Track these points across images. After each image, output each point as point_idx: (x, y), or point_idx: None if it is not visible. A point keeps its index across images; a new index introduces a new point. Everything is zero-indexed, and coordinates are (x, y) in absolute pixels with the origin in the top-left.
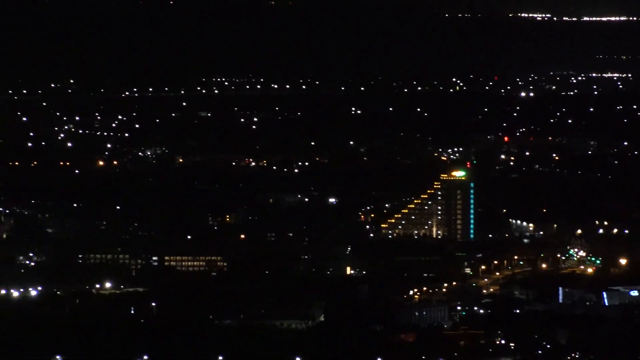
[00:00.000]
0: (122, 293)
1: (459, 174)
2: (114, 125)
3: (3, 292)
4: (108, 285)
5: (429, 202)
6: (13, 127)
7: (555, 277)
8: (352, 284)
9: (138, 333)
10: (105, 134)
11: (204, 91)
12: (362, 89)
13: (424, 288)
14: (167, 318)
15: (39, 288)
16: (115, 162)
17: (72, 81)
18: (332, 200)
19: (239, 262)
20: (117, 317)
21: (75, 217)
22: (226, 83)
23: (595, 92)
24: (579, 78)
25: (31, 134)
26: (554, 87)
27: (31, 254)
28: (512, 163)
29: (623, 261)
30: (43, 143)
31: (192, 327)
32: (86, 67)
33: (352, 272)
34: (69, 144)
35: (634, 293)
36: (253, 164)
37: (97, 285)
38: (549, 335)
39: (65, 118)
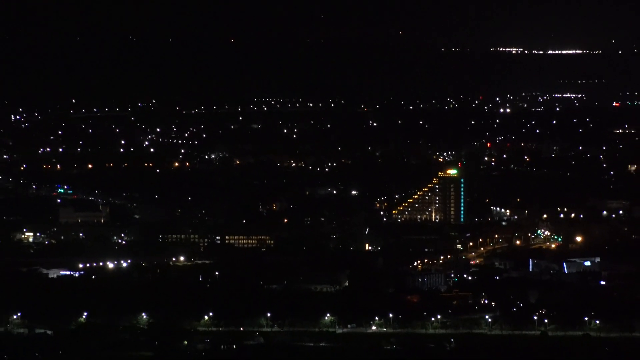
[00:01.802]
0: (192, 264)
1: (452, 172)
2: (186, 135)
3: (102, 263)
4: (182, 258)
5: (429, 194)
6: (109, 136)
7: (527, 251)
8: (369, 257)
9: (205, 295)
10: (179, 141)
11: (255, 108)
12: (378, 106)
13: (425, 260)
14: (228, 284)
15: (129, 260)
16: (187, 164)
17: (154, 101)
18: (354, 192)
19: (283, 240)
20: (189, 283)
21: (156, 206)
22: (273, 102)
23: (557, 109)
24: (545, 97)
25: (122, 141)
26: (525, 105)
27: (123, 234)
28: (493, 163)
29: (579, 239)
30: (132, 149)
31: (247, 291)
32: (165, 89)
33: (370, 247)
34: (152, 150)
35: (587, 263)
36: (294, 164)
37: (174, 258)
38: (522, 296)
39: (148, 129)
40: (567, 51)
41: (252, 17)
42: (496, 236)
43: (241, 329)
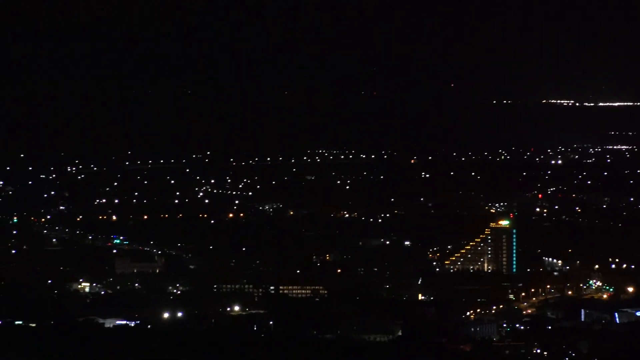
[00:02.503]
0: (247, 314)
1: (504, 222)
2: (240, 186)
3: (157, 313)
4: (236, 308)
5: (481, 244)
6: (164, 187)
7: (578, 301)
8: (422, 307)
9: (259, 344)
10: (233, 192)
11: (309, 160)
12: (430, 158)
13: (478, 309)
14: (282, 333)
15: (184, 310)
16: (241, 214)
17: (208, 153)
18: (407, 243)
19: (336, 290)
20: (243, 332)
21: (211, 256)
22: (326, 154)
23: (608, 160)
24: (596, 149)
25: (177, 193)
26: (576, 156)
27: (177, 284)
28: (544, 214)
29: (630, 289)
30: (186, 200)
31: (300, 340)
32: (219, 143)
33: (423, 297)
34: (206, 201)
35: (639, 314)
36: (347, 215)
37: (228, 308)
38: (573, 345)
39: (203, 181)
40: (618, 103)
41: (305, 72)
42: (548, 286)
43: None
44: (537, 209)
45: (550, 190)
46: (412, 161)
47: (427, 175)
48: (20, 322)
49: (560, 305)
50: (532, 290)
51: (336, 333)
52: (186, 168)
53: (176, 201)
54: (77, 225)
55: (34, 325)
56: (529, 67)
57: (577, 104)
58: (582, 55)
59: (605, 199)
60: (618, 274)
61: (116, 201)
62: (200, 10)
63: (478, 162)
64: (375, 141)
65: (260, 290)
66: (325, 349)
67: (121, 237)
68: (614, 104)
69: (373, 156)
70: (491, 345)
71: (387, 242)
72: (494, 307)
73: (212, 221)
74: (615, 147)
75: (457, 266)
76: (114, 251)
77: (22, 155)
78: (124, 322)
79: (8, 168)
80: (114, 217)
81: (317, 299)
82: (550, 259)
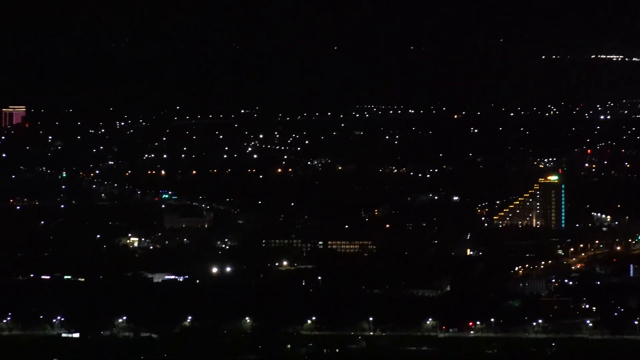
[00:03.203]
0: (295, 269)
1: (553, 178)
2: (289, 141)
3: (205, 268)
4: (285, 263)
5: (530, 200)
6: (213, 143)
7: (627, 257)
8: (471, 262)
9: (308, 300)
10: (282, 148)
11: (357, 115)
12: (479, 113)
13: (526, 265)
14: (330, 288)
15: (232, 265)
16: (290, 170)
17: (257, 107)
18: (455, 198)
19: (385, 246)
20: (292, 287)
21: (259, 212)
22: (374, 109)
23: None
24: None
25: (226, 148)
26: (625, 112)
27: (226, 240)
28: (593, 170)
29: None
30: (235, 155)
31: (349, 295)
32: (268, 97)
33: (471, 252)
34: (255, 156)
35: None
36: (395, 171)
37: (276, 263)
38: (622, 301)
39: (252, 136)
40: None
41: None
42: (597, 242)
43: (344, 333)
44: (586, 165)
45: (599, 146)
46: (461, 116)
47: (476, 131)
48: (69, 277)
49: (609, 260)
50: (581, 245)
51: (384, 288)
52: (235, 123)
53: (225, 156)
54: (125, 181)
55: (82, 280)
56: (578, 22)
57: (627, 59)
58: (632, 9)
59: None
60: None
61: (165, 156)
62: None
63: (527, 118)
64: (424, 96)
65: (309, 245)
66: (374, 303)
67: (170, 193)
68: None
69: (422, 111)
70: (539, 301)
71: (436, 198)
72: (543, 263)
73: (261, 176)
74: None
75: (505, 222)
76: (163, 206)
77: (70, 111)
78: (173, 277)
79: (57, 123)
80: (163, 173)
81: (366, 254)
82: (599, 215)
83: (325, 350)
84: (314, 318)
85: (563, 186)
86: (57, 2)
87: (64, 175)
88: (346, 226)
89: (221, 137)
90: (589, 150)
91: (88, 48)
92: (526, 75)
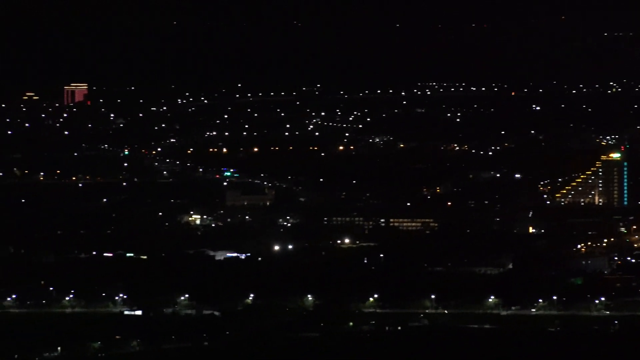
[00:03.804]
0: (357, 247)
1: (615, 155)
2: (350, 119)
3: (267, 245)
4: (347, 240)
5: (592, 177)
6: (274, 120)
7: None
8: (533, 240)
9: (370, 277)
10: (344, 125)
11: (419, 92)
12: (541, 90)
13: (589, 242)
14: (392, 266)
15: (294, 243)
16: (351, 147)
17: (318, 85)
18: (517, 176)
19: (447, 223)
20: (353, 265)
21: (321, 189)
22: (436, 86)
23: None
24: None
25: (287, 125)
26: None
27: (288, 217)
28: None
29: None
30: (297, 132)
31: (411, 273)
32: (330, 73)
33: (534, 230)
34: (317, 133)
35: None
36: (457, 148)
37: (338, 241)
38: None
39: (313, 113)
40: None
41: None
42: None
43: (406, 310)
44: None
45: None
46: (523, 94)
47: (538, 108)
48: (132, 255)
49: None
50: None
51: (446, 266)
52: (296, 100)
53: (286, 133)
54: (187, 158)
55: (145, 257)
56: None
57: None
58: None
59: None
60: None
61: (226, 134)
62: None
63: (589, 95)
64: (486, 74)
65: (371, 223)
66: (435, 280)
67: (231, 170)
68: None
69: (484, 89)
70: (602, 278)
71: (498, 175)
72: (605, 240)
73: (322, 154)
74: None
75: (567, 199)
76: (225, 184)
77: (132, 88)
78: (235, 254)
79: (119, 101)
80: (225, 150)
81: (428, 232)
82: None
83: (387, 328)
84: (376, 295)
85: (625, 164)
86: None
87: (126, 152)
88: (408, 204)
89: (283, 114)
90: None
91: (148, 25)
92: (588, 52)
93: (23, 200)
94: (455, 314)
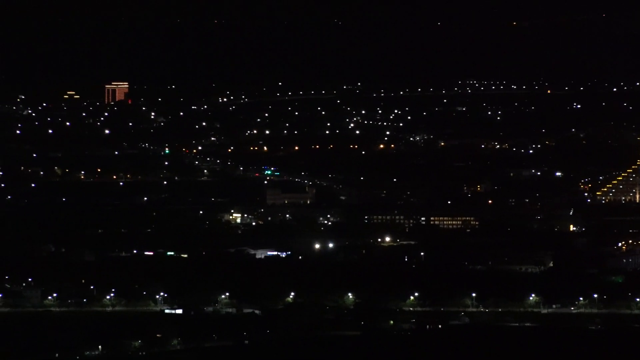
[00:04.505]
0: (397, 245)
1: None
2: (391, 117)
3: (308, 244)
4: (387, 239)
5: (633, 175)
6: (315, 119)
7: None
8: (573, 238)
9: (410, 275)
10: (384, 124)
11: (459, 91)
12: (582, 88)
13: (629, 240)
14: (433, 264)
15: (335, 241)
16: (392, 146)
17: (359, 83)
18: (558, 173)
19: (487, 222)
20: (394, 263)
21: (362, 187)
22: (476, 85)
23: None
24: None
25: (328, 124)
26: None
27: (328, 215)
28: None
29: None
30: (337, 131)
31: (452, 271)
32: (369, 73)
33: (574, 228)
34: (357, 132)
35: None
36: (497, 146)
37: (379, 239)
38: None
39: (354, 112)
40: None
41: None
42: None
43: (446, 309)
44: None
45: None
46: (564, 92)
47: (579, 106)
48: (172, 253)
49: None
50: None
51: (487, 264)
52: (337, 99)
53: (327, 132)
54: (228, 156)
55: (185, 256)
56: None
57: None
58: None
59: None
60: None
61: (267, 132)
62: None
63: (630, 92)
64: (527, 72)
65: (411, 221)
66: (476, 279)
67: (272, 168)
68: None
69: (524, 87)
70: None
71: (538, 173)
72: None
73: (363, 152)
74: None
75: (608, 197)
76: (265, 182)
77: (173, 86)
78: (275, 253)
79: (159, 99)
80: (265, 148)
81: (468, 230)
82: None
83: (427, 326)
84: (416, 294)
85: None
86: None
87: (167, 151)
88: (448, 202)
89: (323, 112)
90: None
91: (190, 24)
92: (629, 50)
93: (64, 199)
94: (496, 312)
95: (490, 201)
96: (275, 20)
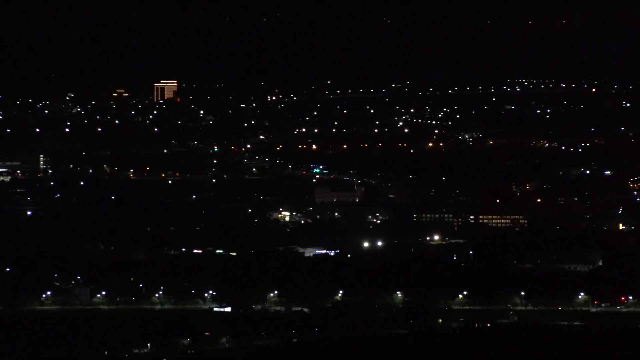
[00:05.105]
0: (446, 244)
1: None
2: (440, 115)
3: (357, 242)
4: (436, 237)
5: None
6: (364, 117)
7: None
8: (623, 236)
9: (459, 274)
10: (433, 122)
11: (508, 89)
12: (631, 87)
13: None
14: (482, 263)
15: (383, 239)
16: (440, 144)
17: (407, 82)
18: (607, 172)
19: (536, 220)
20: (443, 261)
21: (410, 186)
22: (526, 83)
23: None
24: None
25: (377, 122)
26: None
27: (377, 214)
28: None
29: None
30: (386, 129)
31: (501, 270)
32: (418, 72)
33: (623, 227)
34: (406, 130)
35: None
36: (546, 145)
37: (427, 238)
38: None
39: (402, 110)
40: None
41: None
42: None
43: (495, 307)
44: None
45: None
46: (612, 90)
47: (628, 105)
48: (221, 251)
49: None
50: None
51: (536, 262)
52: (386, 97)
53: (375, 130)
54: (276, 155)
55: (234, 254)
56: None
57: None
58: None
59: None
60: None
61: (316, 130)
62: None
63: None
64: (576, 70)
65: (460, 219)
66: (524, 278)
67: (321, 167)
68: None
69: (573, 85)
70: None
71: (587, 172)
72: None
73: (412, 150)
74: None
75: None
76: (314, 180)
77: (222, 85)
78: (324, 251)
79: (208, 97)
80: (314, 147)
81: (517, 229)
82: None
83: (476, 325)
84: (465, 292)
85: None
86: None
87: (215, 149)
88: (497, 200)
89: (372, 111)
90: None
91: (238, 22)
92: None
93: (113, 197)
94: (545, 310)
95: (539, 200)
96: (325, 19)
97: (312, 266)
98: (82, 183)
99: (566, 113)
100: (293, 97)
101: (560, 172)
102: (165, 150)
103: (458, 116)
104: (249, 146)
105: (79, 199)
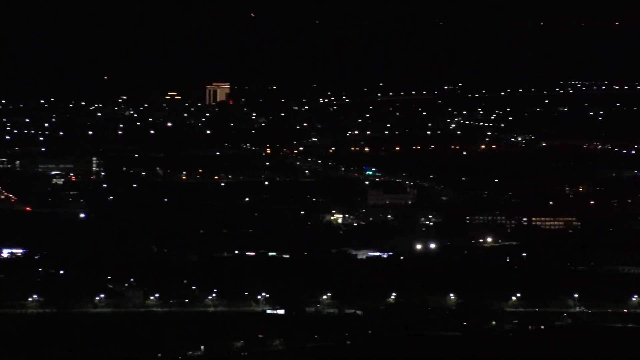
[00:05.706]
0: (499, 246)
1: None
2: (492, 117)
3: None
4: (489, 239)
5: None
6: (416, 120)
7: None
8: None
9: (512, 276)
10: (486, 124)
11: (561, 91)
12: None
13: None
14: (535, 265)
15: (436, 241)
16: (493, 146)
17: (460, 84)
18: None
19: (589, 222)
20: (496, 264)
21: (463, 188)
22: (578, 85)
23: None
24: None
25: (429, 124)
26: None
27: (430, 216)
28: None
29: None
30: (438, 131)
31: (554, 272)
32: (472, 72)
33: None
34: (458, 132)
35: None
36: (599, 146)
37: (480, 240)
38: None
39: (455, 112)
40: None
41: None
42: None
43: (548, 309)
44: None
45: None
46: None
47: None
48: (274, 254)
49: None
50: None
51: (589, 265)
52: (438, 99)
53: (428, 132)
54: (329, 157)
55: (287, 256)
56: None
57: None
58: None
59: None
60: None
61: (368, 132)
62: None
63: None
64: (629, 72)
65: (513, 221)
66: (578, 280)
67: (373, 169)
68: None
69: (626, 87)
70: None
71: None
72: None
73: (464, 152)
74: None
75: None
76: (366, 183)
77: (274, 87)
78: (377, 253)
79: (260, 100)
80: (366, 149)
81: (570, 231)
82: None
83: (530, 327)
84: (518, 294)
85: None
86: None
87: (268, 151)
88: (550, 202)
89: (424, 113)
90: None
91: (291, 25)
92: None
93: (165, 199)
94: (598, 313)
95: (592, 202)
96: (378, 21)
97: (365, 268)
98: (134, 185)
99: (619, 114)
100: (345, 99)
101: (613, 174)
102: (217, 153)
103: (510, 118)
104: (301, 148)
105: (131, 202)
